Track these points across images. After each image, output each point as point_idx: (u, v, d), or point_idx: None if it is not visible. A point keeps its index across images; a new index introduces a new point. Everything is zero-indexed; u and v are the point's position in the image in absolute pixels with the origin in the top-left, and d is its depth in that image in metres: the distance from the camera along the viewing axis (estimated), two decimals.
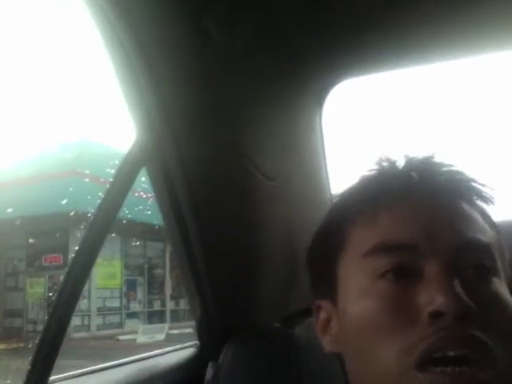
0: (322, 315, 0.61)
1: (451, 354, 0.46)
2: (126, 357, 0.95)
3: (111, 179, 0.80)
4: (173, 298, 13.56)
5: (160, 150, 0.78)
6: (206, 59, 0.72)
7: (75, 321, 11.38)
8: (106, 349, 9.24)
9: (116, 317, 12.95)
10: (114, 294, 13.07)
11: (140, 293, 13.71)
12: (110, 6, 0.63)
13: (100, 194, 0.80)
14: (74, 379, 0.84)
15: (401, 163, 0.59)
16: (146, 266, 13.65)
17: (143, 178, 0.84)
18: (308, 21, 0.79)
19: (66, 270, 0.77)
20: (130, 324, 12.61)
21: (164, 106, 0.73)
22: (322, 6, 0.77)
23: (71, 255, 0.79)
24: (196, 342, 0.97)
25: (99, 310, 12.36)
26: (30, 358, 0.72)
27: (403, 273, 0.51)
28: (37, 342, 0.73)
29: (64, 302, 0.75)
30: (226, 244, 0.88)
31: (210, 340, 0.93)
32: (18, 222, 8.70)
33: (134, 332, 10.91)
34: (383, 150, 0.62)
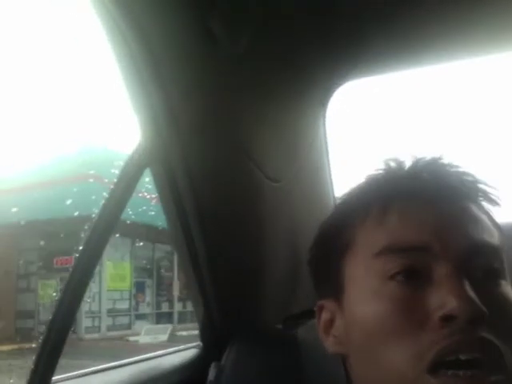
0: (325, 315, 0.59)
1: (463, 357, 0.45)
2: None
3: (115, 180, 0.79)
4: (180, 299, 13.58)
5: (164, 151, 0.77)
6: (211, 62, 0.72)
7: (86, 322, 11.45)
8: (117, 349, 9.27)
9: (125, 318, 12.98)
10: (123, 296, 13.12)
11: (148, 295, 13.75)
12: (116, 8, 0.63)
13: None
14: (77, 379, 0.83)
15: (408, 164, 0.58)
16: (155, 269, 13.69)
17: (147, 179, 0.83)
18: (311, 23, 0.78)
19: (70, 269, 0.76)
20: (138, 325, 12.63)
21: (169, 107, 0.72)
22: (325, 9, 0.76)
23: None
24: (199, 342, 0.96)
25: (109, 311, 12.41)
26: (33, 358, 0.71)
27: (413, 274, 0.50)
28: (40, 341, 0.72)
29: (67, 302, 0.74)
30: (229, 245, 0.87)
31: (213, 341, 0.92)
32: (22, 223, 8.77)
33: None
34: (387, 151, 0.61)
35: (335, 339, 0.57)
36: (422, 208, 0.53)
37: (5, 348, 8.69)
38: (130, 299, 13.27)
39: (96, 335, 11.47)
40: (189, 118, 0.75)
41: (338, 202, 0.63)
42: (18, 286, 12.22)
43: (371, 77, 0.94)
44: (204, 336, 0.94)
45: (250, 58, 0.74)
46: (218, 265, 0.86)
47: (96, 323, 12.02)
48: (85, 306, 11.30)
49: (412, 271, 0.50)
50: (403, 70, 0.93)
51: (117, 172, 0.79)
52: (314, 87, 0.91)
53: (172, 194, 0.81)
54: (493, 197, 0.56)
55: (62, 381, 0.80)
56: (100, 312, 12.07)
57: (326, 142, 0.99)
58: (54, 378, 0.73)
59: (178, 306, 13.65)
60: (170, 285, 13.72)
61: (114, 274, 12.53)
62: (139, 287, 13.56)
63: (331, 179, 1.02)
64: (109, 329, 12.19)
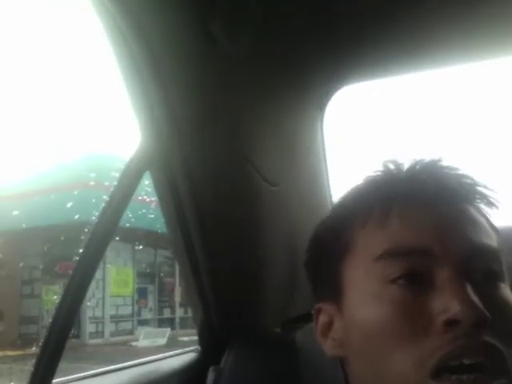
0: (323, 318, 0.58)
1: (467, 362, 0.45)
2: None
3: (115, 183, 0.78)
4: (181, 305, 13.53)
5: (164, 154, 0.77)
6: (210, 65, 0.71)
7: (90, 328, 11.43)
8: (120, 354, 9.25)
9: (128, 324, 12.94)
10: (126, 302, 13.09)
11: (151, 300, 13.71)
12: (117, 10, 0.62)
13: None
14: (77, 382, 0.82)
15: (406, 165, 0.57)
16: (157, 274, 13.66)
17: (146, 182, 0.82)
18: (310, 27, 0.78)
19: (70, 272, 0.75)
20: (141, 331, 12.59)
21: (169, 109, 0.72)
22: (324, 13, 0.76)
23: None
24: (197, 346, 0.95)
25: (112, 317, 12.37)
26: (34, 361, 0.70)
27: (415, 278, 0.49)
28: (40, 344, 0.71)
29: (67, 306, 0.73)
30: (228, 249, 0.86)
31: (212, 344, 0.91)
32: (25, 227, 8.78)
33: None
34: (385, 155, 0.60)
35: (334, 342, 0.56)
36: (422, 211, 0.52)
37: (11, 353, 8.66)
38: (132, 305, 13.24)
39: (100, 340, 11.43)
40: (188, 122, 0.75)
41: (336, 203, 0.61)
42: (22, 291, 12.19)
43: (369, 81, 0.94)
44: (202, 339, 0.93)
45: (250, 58, 0.74)
46: (217, 268, 0.85)
47: (100, 329, 11.98)
48: (89, 312, 11.28)
49: (413, 275, 0.49)
50: (401, 75, 0.93)
51: (117, 175, 0.79)
52: (313, 91, 0.90)
53: (172, 197, 0.80)
54: (491, 200, 0.55)
55: None
56: (103, 318, 12.03)
57: (323, 146, 0.99)
58: (54, 382, 0.72)
59: (179, 312, 13.61)
60: (172, 290, 13.68)
61: (118, 279, 12.51)
62: (141, 293, 13.53)
63: (329, 183, 1.01)
64: (112, 334, 12.15)
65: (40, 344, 0.71)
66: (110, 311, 12.36)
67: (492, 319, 0.45)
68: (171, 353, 0.98)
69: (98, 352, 9.47)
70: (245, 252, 0.87)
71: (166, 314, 13.98)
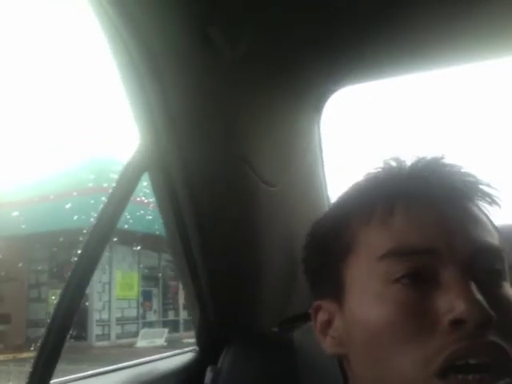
0: (322, 316, 0.56)
1: (473, 361, 0.44)
2: None
3: (114, 184, 0.77)
4: (185, 307, 13.53)
5: (162, 156, 0.76)
6: (208, 67, 0.71)
7: (97, 330, 11.44)
8: (126, 356, 9.25)
9: (133, 326, 12.95)
10: (131, 305, 13.11)
11: (155, 303, 13.72)
12: (116, 12, 0.62)
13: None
14: (75, 382, 0.81)
15: (409, 163, 0.55)
16: (161, 278, 13.67)
17: (145, 183, 0.81)
18: (307, 29, 0.77)
19: (69, 274, 0.74)
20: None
21: (167, 111, 0.72)
22: (321, 15, 0.75)
23: None
24: (195, 346, 0.93)
25: (118, 319, 12.39)
26: (32, 362, 0.69)
27: (419, 277, 0.48)
28: (38, 345, 0.70)
29: (66, 306, 0.72)
30: (225, 249, 0.85)
31: (209, 344, 0.90)
32: (23, 226, 8.81)
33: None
34: (383, 156, 0.58)
35: (333, 340, 0.54)
36: (426, 209, 0.50)
37: (25, 355, 8.65)
38: (137, 307, 13.26)
39: (106, 343, 11.45)
40: (187, 123, 0.74)
41: (335, 200, 0.59)
42: (29, 295, 12.21)
43: (366, 83, 0.93)
44: (200, 339, 0.92)
45: (248, 60, 0.73)
46: (215, 268, 0.84)
47: (106, 331, 12.00)
48: (96, 315, 11.30)
49: (417, 274, 0.48)
50: (398, 76, 0.92)
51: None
52: (310, 92, 0.90)
53: (170, 197, 0.80)
54: (494, 198, 0.54)
55: None
56: (110, 320, 12.05)
57: (320, 147, 0.98)
58: (52, 382, 0.71)
59: (183, 314, 13.61)
60: (176, 293, 13.69)
61: (123, 283, 12.53)
62: (146, 296, 13.54)
63: (326, 184, 1.01)
64: (118, 336, 12.16)
65: (38, 344, 0.70)
66: (116, 314, 12.38)
67: (497, 318, 0.45)
68: (169, 353, 0.97)
69: (105, 354, 9.48)
70: (242, 252, 0.86)
71: (171, 316, 13.99)
